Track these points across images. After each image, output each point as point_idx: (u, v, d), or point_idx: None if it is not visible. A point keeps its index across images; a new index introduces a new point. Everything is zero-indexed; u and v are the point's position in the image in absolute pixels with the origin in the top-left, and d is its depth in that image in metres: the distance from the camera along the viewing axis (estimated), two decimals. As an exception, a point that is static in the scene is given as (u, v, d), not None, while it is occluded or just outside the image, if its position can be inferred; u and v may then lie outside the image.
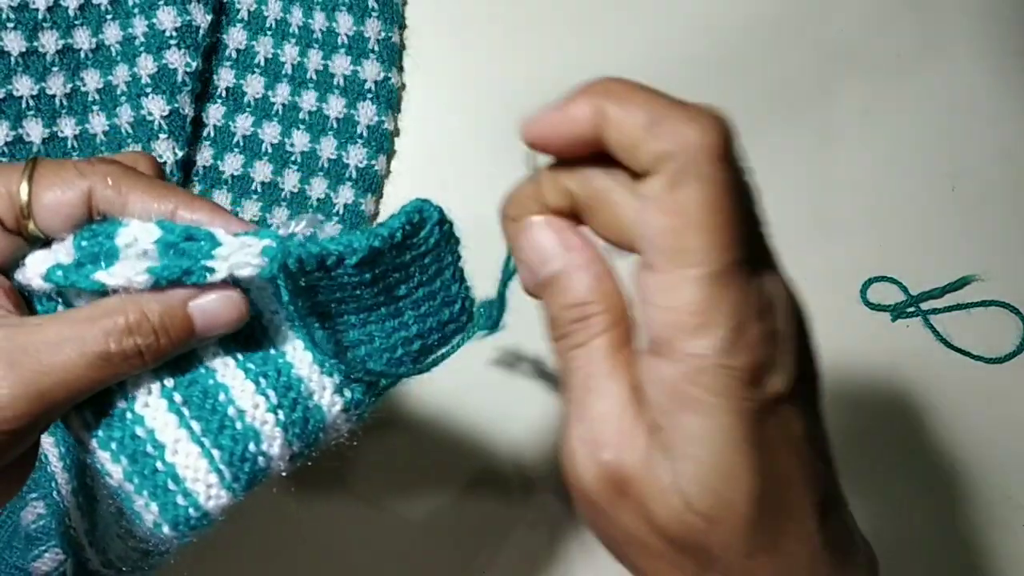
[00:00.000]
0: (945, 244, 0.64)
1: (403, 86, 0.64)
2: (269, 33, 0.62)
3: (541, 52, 0.65)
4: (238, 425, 0.33)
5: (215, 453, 0.33)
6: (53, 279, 0.31)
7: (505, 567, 0.59)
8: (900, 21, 0.66)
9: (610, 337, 0.29)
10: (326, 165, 0.61)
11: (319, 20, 0.62)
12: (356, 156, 0.61)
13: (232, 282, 0.32)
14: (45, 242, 0.33)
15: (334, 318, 0.34)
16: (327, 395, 0.34)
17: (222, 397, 0.33)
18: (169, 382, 0.33)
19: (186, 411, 0.33)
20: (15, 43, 0.56)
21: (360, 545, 0.58)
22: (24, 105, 0.57)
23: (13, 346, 0.29)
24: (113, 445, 0.33)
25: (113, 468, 0.33)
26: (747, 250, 0.26)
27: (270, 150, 0.61)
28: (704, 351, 0.25)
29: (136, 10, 0.59)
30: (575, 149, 0.28)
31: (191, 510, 0.33)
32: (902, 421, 0.63)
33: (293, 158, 0.61)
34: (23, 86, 0.57)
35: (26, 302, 0.33)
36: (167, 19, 0.58)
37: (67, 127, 0.58)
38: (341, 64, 0.62)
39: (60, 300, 0.33)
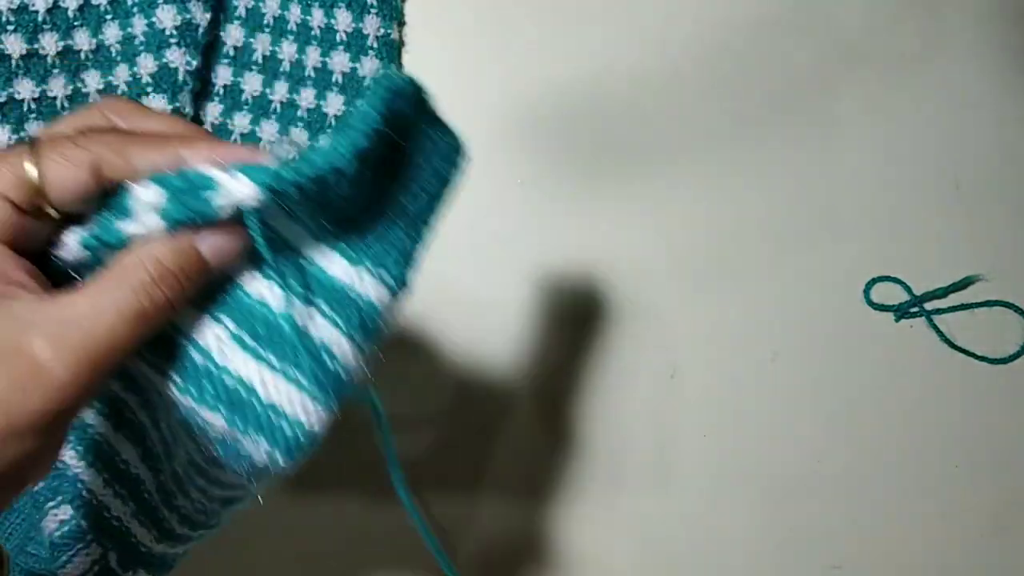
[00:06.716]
0: (949, 244, 0.63)
1: (402, 83, 0.63)
2: (267, 30, 0.62)
3: (540, 50, 0.64)
4: (308, 346, 0.34)
5: (302, 380, 0.34)
6: (87, 244, 0.33)
7: (505, 569, 0.60)
8: (904, 20, 0.65)
9: None
10: (325, 163, 0.61)
11: (317, 17, 0.62)
12: (355, 154, 0.61)
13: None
14: (61, 220, 0.33)
15: (347, 214, 0.35)
16: (368, 287, 0.35)
17: (285, 326, 0.34)
18: (231, 325, 0.34)
19: (258, 347, 0.34)
20: (15, 46, 0.57)
21: (360, 545, 0.59)
22: (26, 108, 0.57)
23: (55, 323, 0.30)
24: (209, 399, 0.34)
25: (215, 419, 0.34)
26: None
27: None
28: None
29: (135, 9, 0.59)
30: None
31: (300, 435, 0.34)
32: (905, 421, 0.62)
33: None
34: (24, 89, 0.57)
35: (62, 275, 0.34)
36: (167, 18, 0.58)
37: (68, 128, 0.59)
38: (340, 61, 0.61)
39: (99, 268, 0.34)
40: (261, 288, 0.35)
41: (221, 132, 0.61)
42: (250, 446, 0.34)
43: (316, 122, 0.61)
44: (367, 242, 0.36)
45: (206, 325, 0.34)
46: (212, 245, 0.33)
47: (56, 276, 0.34)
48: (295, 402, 0.34)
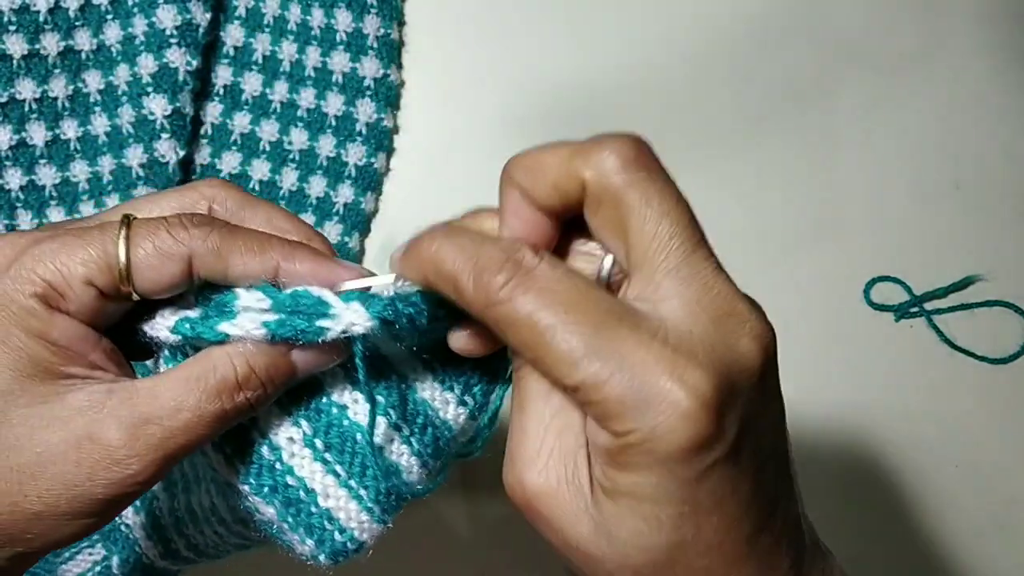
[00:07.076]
0: (949, 244, 0.63)
1: (402, 83, 0.64)
2: (267, 30, 0.62)
3: (540, 49, 0.64)
4: (380, 464, 0.34)
5: (363, 493, 0.34)
6: (181, 331, 0.32)
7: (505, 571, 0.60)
8: (902, 21, 0.65)
9: None
10: (325, 163, 0.61)
11: (317, 17, 0.62)
12: (355, 154, 0.61)
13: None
14: (141, 303, 0.33)
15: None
16: (451, 409, 0.36)
17: (359, 438, 0.34)
18: (308, 428, 0.34)
19: (329, 457, 0.34)
20: (17, 46, 0.57)
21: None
22: (27, 108, 0.58)
23: (135, 416, 0.30)
24: (266, 490, 0.34)
25: (267, 509, 0.34)
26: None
27: (268, 148, 0.61)
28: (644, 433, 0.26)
29: (136, 9, 0.59)
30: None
31: (348, 543, 0.34)
32: (905, 421, 0.62)
33: (291, 156, 0.61)
34: (25, 89, 0.57)
35: (140, 351, 0.34)
36: (167, 18, 0.58)
37: (69, 129, 0.59)
38: (340, 61, 0.61)
39: (185, 352, 0.33)
40: (346, 397, 0.35)
41: (221, 132, 0.61)
42: (296, 541, 0.34)
43: (316, 122, 0.61)
44: (463, 368, 0.35)
45: (283, 425, 0.34)
46: (306, 358, 0.33)
47: (134, 341, 0.33)
48: (351, 513, 0.34)
